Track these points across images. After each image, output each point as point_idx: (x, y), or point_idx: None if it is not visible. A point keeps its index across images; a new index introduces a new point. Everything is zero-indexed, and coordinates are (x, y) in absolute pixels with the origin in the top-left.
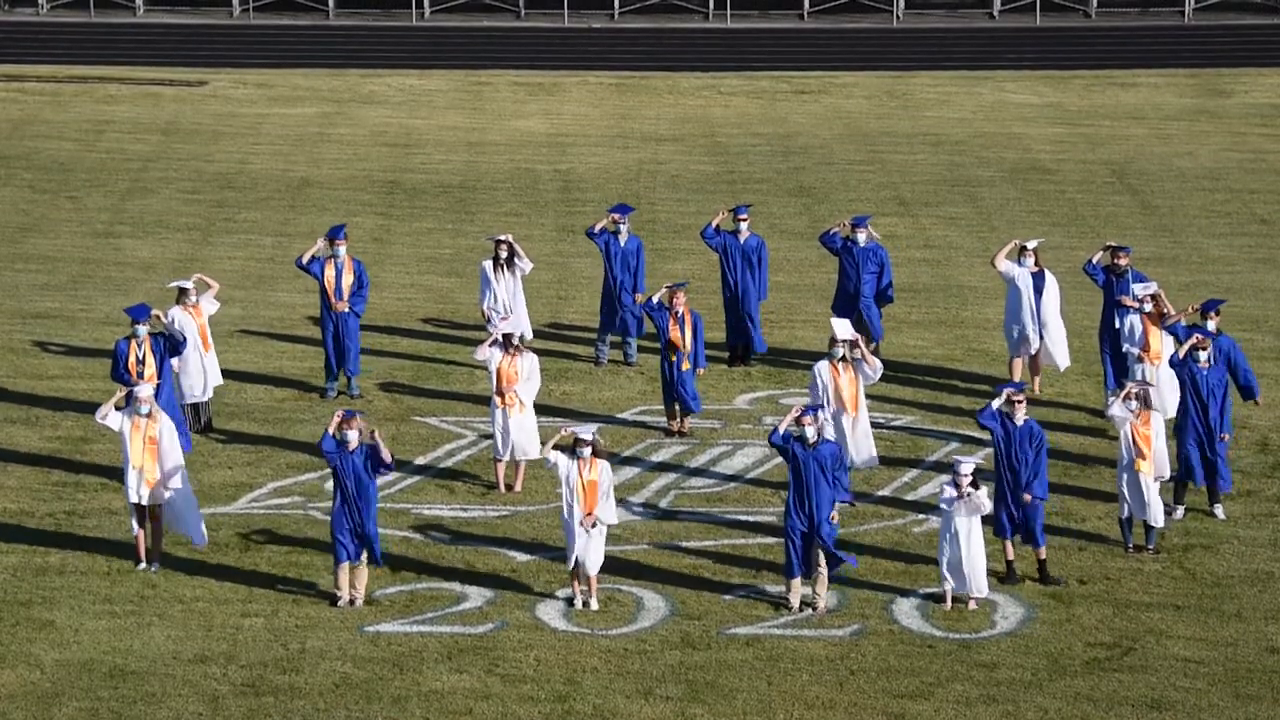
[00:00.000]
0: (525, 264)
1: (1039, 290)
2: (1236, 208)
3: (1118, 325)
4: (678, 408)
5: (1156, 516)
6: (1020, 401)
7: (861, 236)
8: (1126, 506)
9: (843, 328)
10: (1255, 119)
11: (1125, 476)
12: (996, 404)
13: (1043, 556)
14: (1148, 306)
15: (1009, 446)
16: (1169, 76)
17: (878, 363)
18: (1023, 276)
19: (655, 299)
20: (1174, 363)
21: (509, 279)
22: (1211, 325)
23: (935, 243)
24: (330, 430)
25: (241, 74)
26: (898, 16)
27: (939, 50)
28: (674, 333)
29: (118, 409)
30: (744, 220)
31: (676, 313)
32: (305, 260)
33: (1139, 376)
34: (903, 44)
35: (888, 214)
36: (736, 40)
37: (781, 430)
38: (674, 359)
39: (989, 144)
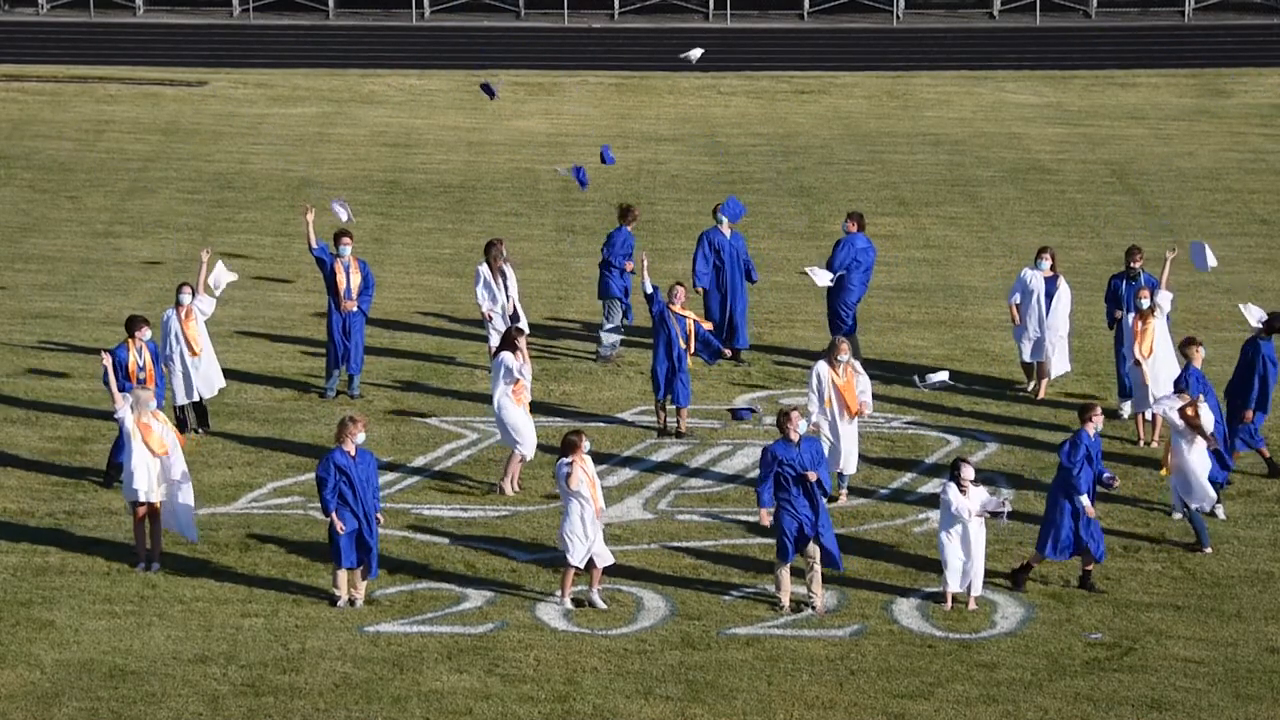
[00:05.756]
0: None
1: (1049, 295)
2: (1236, 208)
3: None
4: (667, 401)
5: (1207, 496)
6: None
7: (853, 229)
8: (1178, 510)
9: (821, 277)
10: (1255, 119)
11: (1179, 470)
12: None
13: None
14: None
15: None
16: (1169, 76)
17: (866, 380)
18: (1036, 280)
19: (653, 287)
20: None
21: (504, 278)
22: (1198, 361)
23: (935, 243)
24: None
25: (241, 74)
26: (898, 16)
27: (939, 50)
28: (676, 324)
29: (122, 395)
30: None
31: (675, 307)
32: (314, 243)
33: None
34: (903, 44)
35: (888, 214)
36: (736, 40)
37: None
38: (676, 353)
39: (989, 144)
